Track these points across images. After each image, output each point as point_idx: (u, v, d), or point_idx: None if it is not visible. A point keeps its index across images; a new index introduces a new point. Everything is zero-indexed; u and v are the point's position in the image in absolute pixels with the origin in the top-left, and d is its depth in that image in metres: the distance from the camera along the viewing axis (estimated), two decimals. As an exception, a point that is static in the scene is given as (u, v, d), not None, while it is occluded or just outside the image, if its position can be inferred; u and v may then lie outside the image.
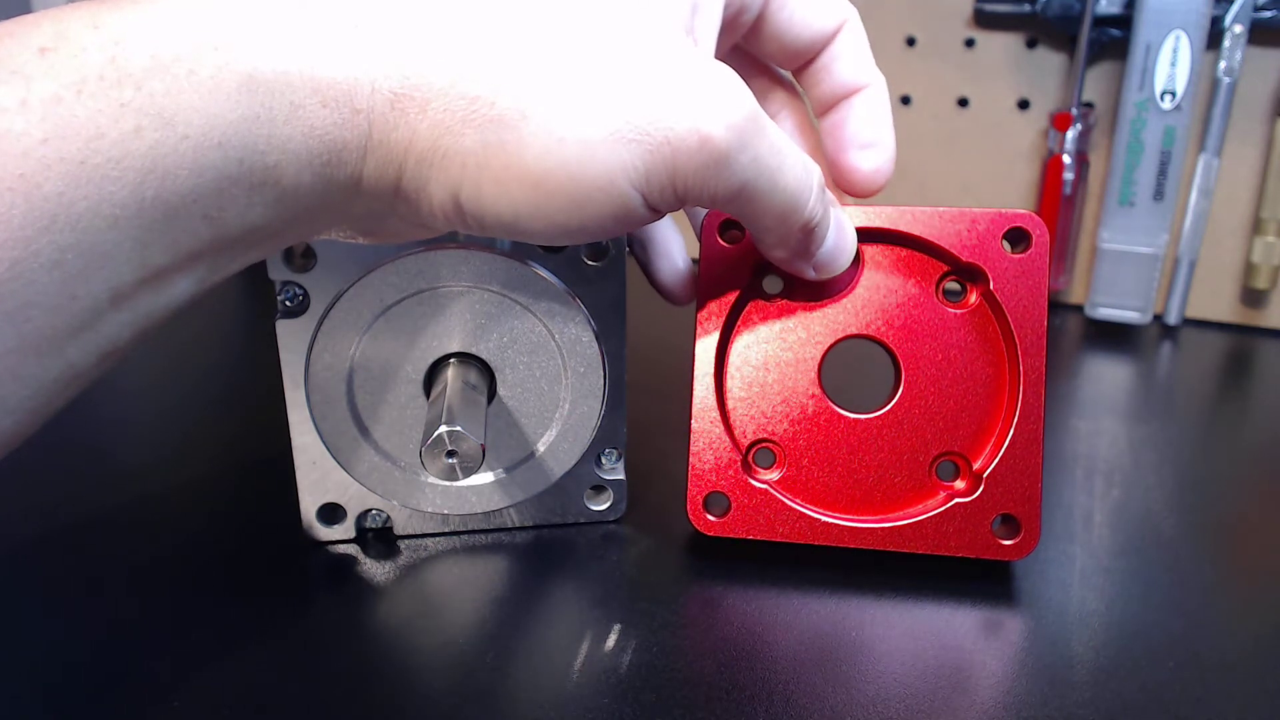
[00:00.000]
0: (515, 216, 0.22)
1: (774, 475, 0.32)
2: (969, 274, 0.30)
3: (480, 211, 0.22)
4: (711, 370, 0.31)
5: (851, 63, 0.29)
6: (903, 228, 0.30)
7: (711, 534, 0.31)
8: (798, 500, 0.31)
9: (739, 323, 0.31)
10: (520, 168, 0.21)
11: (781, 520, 0.31)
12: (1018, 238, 0.30)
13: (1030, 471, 0.30)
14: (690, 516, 0.31)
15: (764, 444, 0.32)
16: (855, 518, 0.31)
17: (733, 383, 0.32)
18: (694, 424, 0.31)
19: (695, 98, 0.22)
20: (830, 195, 0.27)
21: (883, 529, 0.31)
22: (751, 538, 0.31)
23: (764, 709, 0.25)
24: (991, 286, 0.30)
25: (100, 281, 0.19)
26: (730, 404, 0.32)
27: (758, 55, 0.30)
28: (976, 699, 0.26)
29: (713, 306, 0.31)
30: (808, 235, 0.27)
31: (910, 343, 0.31)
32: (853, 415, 0.31)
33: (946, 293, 0.31)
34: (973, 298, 0.30)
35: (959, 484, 0.31)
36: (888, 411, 0.31)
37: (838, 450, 0.31)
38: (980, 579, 0.31)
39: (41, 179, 0.18)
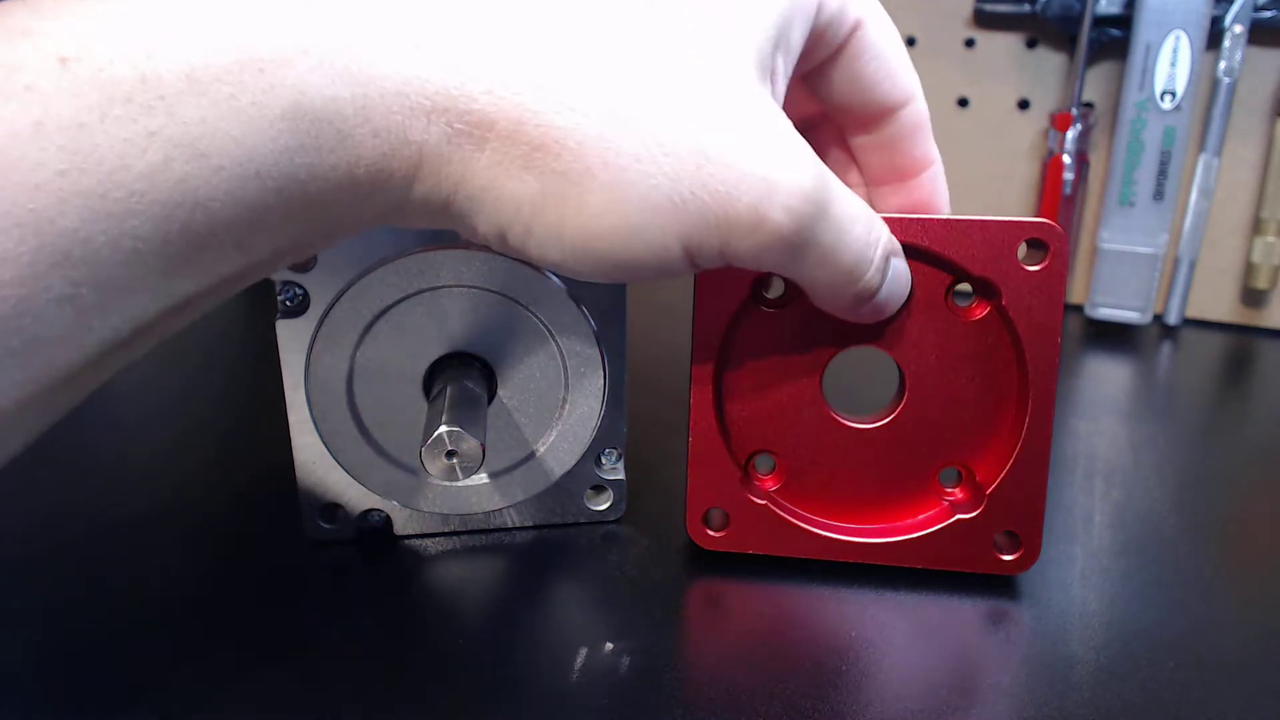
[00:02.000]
0: (561, 260, 0.22)
1: (774, 486, 0.31)
2: (981, 287, 0.29)
3: (525, 249, 0.21)
4: (710, 381, 0.30)
5: (923, 138, 0.28)
6: (914, 240, 0.28)
7: (710, 549, 0.31)
8: (798, 513, 0.31)
9: (739, 330, 0.30)
10: (576, 222, 0.20)
11: (780, 535, 0.31)
12: (1034, 249, 0.28)
13: (1035, 488, 0.30)
14: (689, 532, 0.31)
15: (763, 453, 0.31)
16: (855, 530, 0.31)
17: (732, 393, 0.31)
18: (692, 438, 0.31)
19: (760, 172, 0.21)
20: (894, 244, 0.26)
21: (882, 544, 0.31)
22: (751, 552, 0.31)
23: (764, 709, 0.25)
24: (1003, 301, 0.28)
25: (119, 314, 0.18)
26: (730, 415, 0.31)
27: (816, 96, 0.28)
28: (976, 699, 0.26)
29: (711, 314, 0.30)
30: (860, 300, 0.26)
31: (916, 353, 0.29)
32: (855, 425, 0.30)
33: (957, 295, 0.29)
34: (984, 311, 0.29)
35: (961, 497, 0.31)
36: (890, 422, 0.30)
37: (839, 461, 0.31)
38: (980, 580, 0.31)
39: (56, 214, 0.16)
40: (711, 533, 0.31)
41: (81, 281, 0.17)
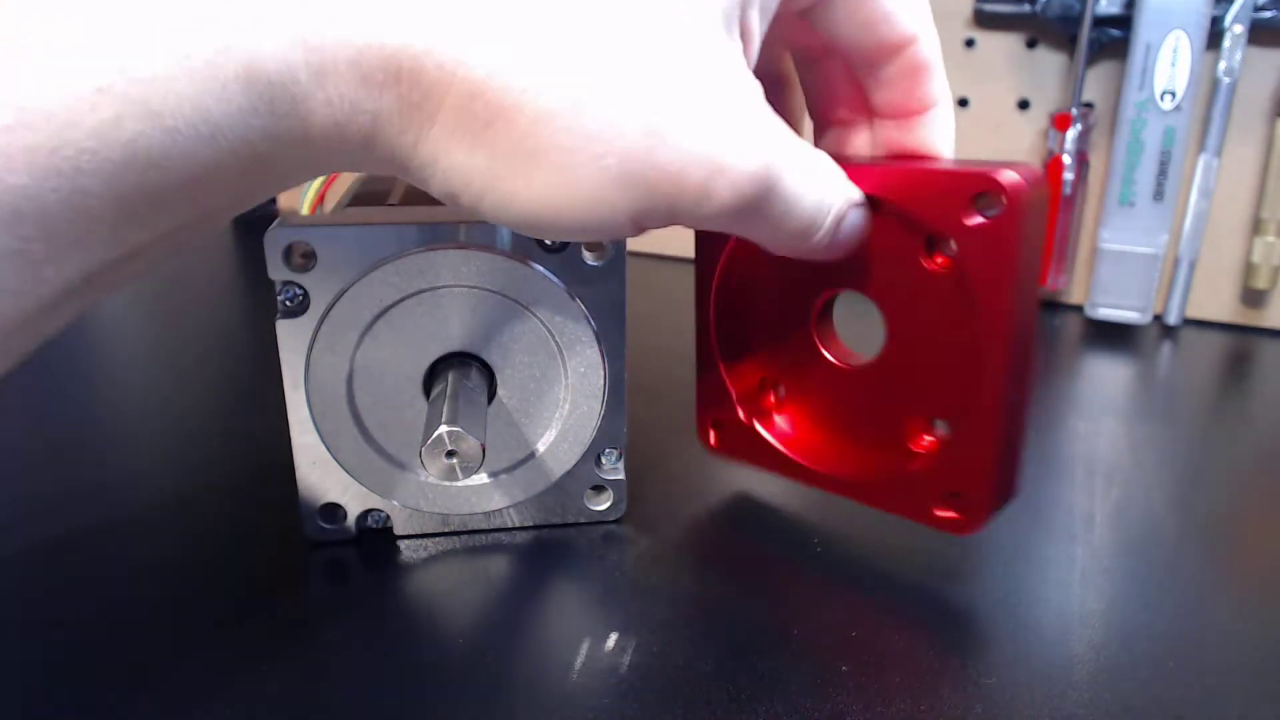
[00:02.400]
0: (511, 224, 0.22)
1: (773, 409, 0.34)
2: (938, 239, 0.28)
3: (477, 213, 0.22)
4: (709, 304, 0.33)
5: (925, 79, 0.27)
6: (874, 191, 0.27)
7: (712, 451, 0.35)
8: (780, 436, 0.34)
9: (736, 260, 0.32)
10: (526, 196, 0.21)
11: (759, 452, 0.34)
12: (983, 202, 0.26)
13: (984, 451, 0.28)
14: (698, 435, 0.36)
15: (765, 379, 0.34)
16: (824, 462, 0.32)
17: (727, 318, 0.33)
18: (696, 353, 0.35)
19: (709, 152, 0.21)
20: (850, 203, 0.26)
21: (843, 480, 0.32)
22: (742, 462, 0.35)
23: (764, 709, 0.25)
24: (957, 256, 0.27)
25: (72, 265, 0.18)
26: (726, 338, 0.34)
27: (816, 30, 0.27)
28: (976, 699, 0.26)
29: (709, 243, 0.32)
30: (809, 252, 0.26)
31: (894, 302, 0.29)
32: (839, 364, 0.32)
33: (939, 244, 0.28)
34: (945, 264, 0.28)
35: (922, 449, 0.30)
36: (868, 366, 0.31)
37: (821, 395, 0.32)
38: (979, 580, 0.31)
39: (4, 171, 0.16)
40: (712, 436, 0.35)
41: (31, 237, 0.17)
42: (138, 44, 0.17)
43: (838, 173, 0.26)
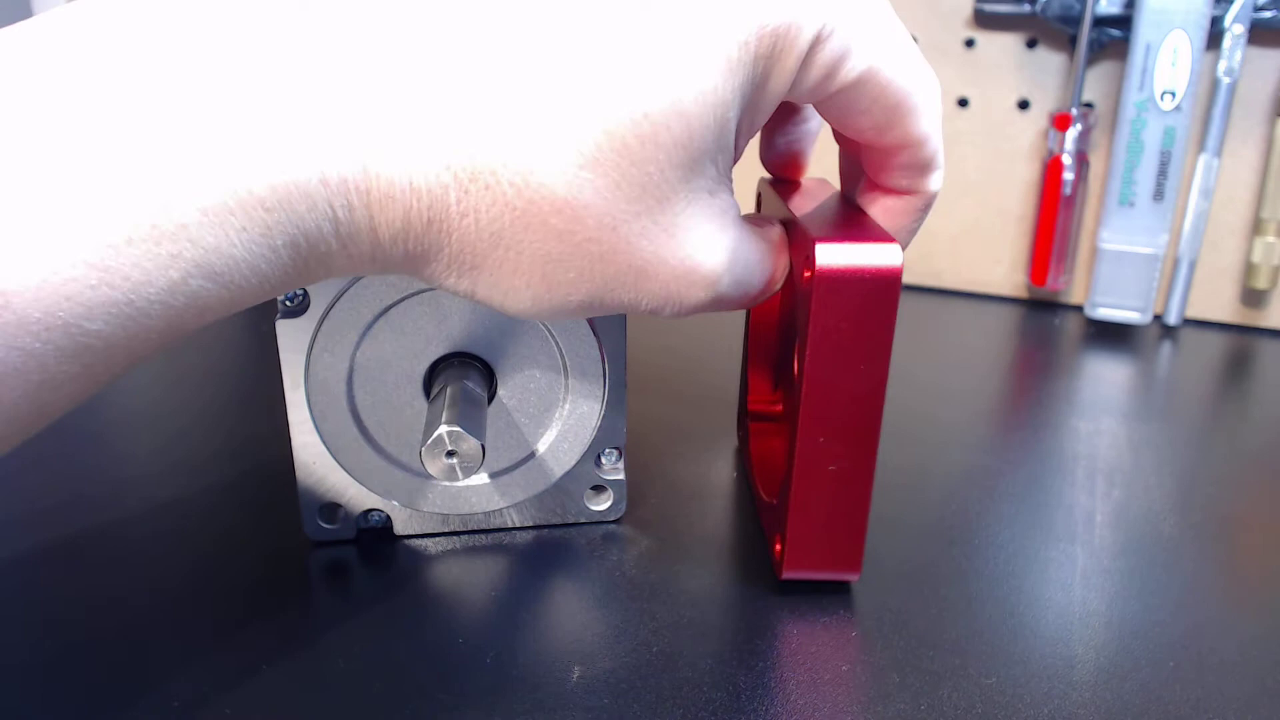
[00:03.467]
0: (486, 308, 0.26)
1: (760, 426, 0.37)
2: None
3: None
4: (748, 317, 0.37)
5: (911, 175, 0.28)
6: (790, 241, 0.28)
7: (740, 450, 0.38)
8: (754, 453, 0.36)
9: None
10: (507, 306, 0.24)
11: (745, 458, 0.37)
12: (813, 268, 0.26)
13: (788, 508, 0.28)
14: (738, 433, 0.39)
15: (772, 398, 0.37)
16: (763, 483, 0.33)
17: (759, 336, 0.37)
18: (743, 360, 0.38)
19: (665, 293, 0.24)
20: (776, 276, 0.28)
21: (763, 501, 0.33)
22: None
23: (764, 709, 0.25)
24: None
25: (120, 364, 0.20)
26: (758, 353, 0.37)
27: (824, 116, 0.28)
28: (976, 699, 0.26)
29: None
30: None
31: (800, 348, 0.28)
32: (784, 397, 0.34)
33: None
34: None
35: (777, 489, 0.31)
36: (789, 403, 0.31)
37: (781, 423, 0.35)
38: (978, 579, 0.31)
39: (85, 319, 0.18)
40: (738, 438, 0.39)
41: (94, 362, 0.19)
42: (203, 220, 0.19)
43: (767, 264, 0.27)
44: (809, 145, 0.32)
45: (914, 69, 0.25)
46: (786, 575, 0.29)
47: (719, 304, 0.25)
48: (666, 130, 0.21)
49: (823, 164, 0.33)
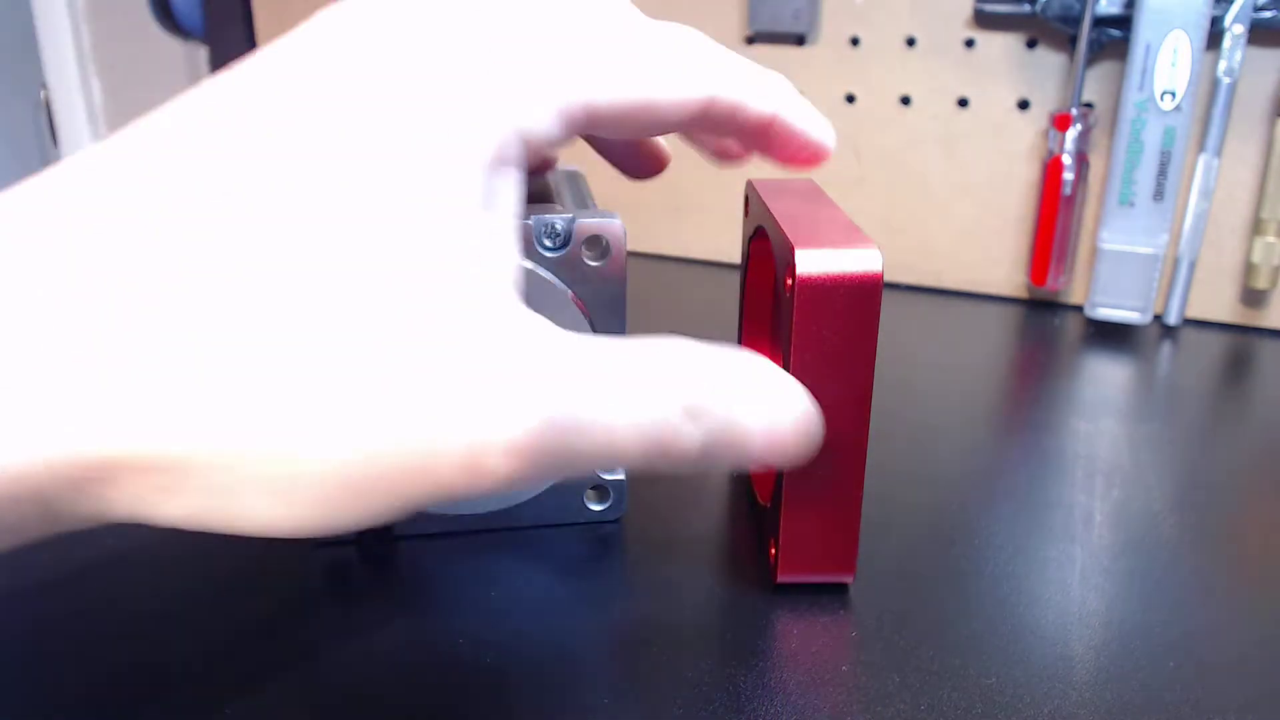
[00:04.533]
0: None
1: None
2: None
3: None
4: (740, 309, 0.37)
5: (803, 138, 0.25)
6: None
7: None
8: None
9: (754, 266, 0.36)
10: (246, 522, 0.18)
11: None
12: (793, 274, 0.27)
13: (780, 511, 0.29)
14: None
15: None
16: (759, 487, 0.33)
17: (753, 331, 0.37)
18: None
19: (466, 437, 0.17)
20: (699, 387, 0.20)
21: (758, 507, 0.33)
22: None
23: (764, 709, 0.25)
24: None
25: None
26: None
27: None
28: (976, 699, 0.26)
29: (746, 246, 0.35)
30: (697, 459, 0.21)
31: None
32: None
33: None
34: None
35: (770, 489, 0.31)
36: None
37: None
38: (977, 580, 0.31)
39: None
40: None
41: None
42: None
43: (682, 363, 0.21)
44: (641, 142, 0.29)
45: (633, 64, 0.22)
46: (782, 579, 0.30)
47: (553, 459, 0.18)
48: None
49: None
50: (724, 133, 0.26)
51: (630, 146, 0.30)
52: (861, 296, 0.26)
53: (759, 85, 0.25)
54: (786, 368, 0.27)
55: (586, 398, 0.19)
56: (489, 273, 0.19)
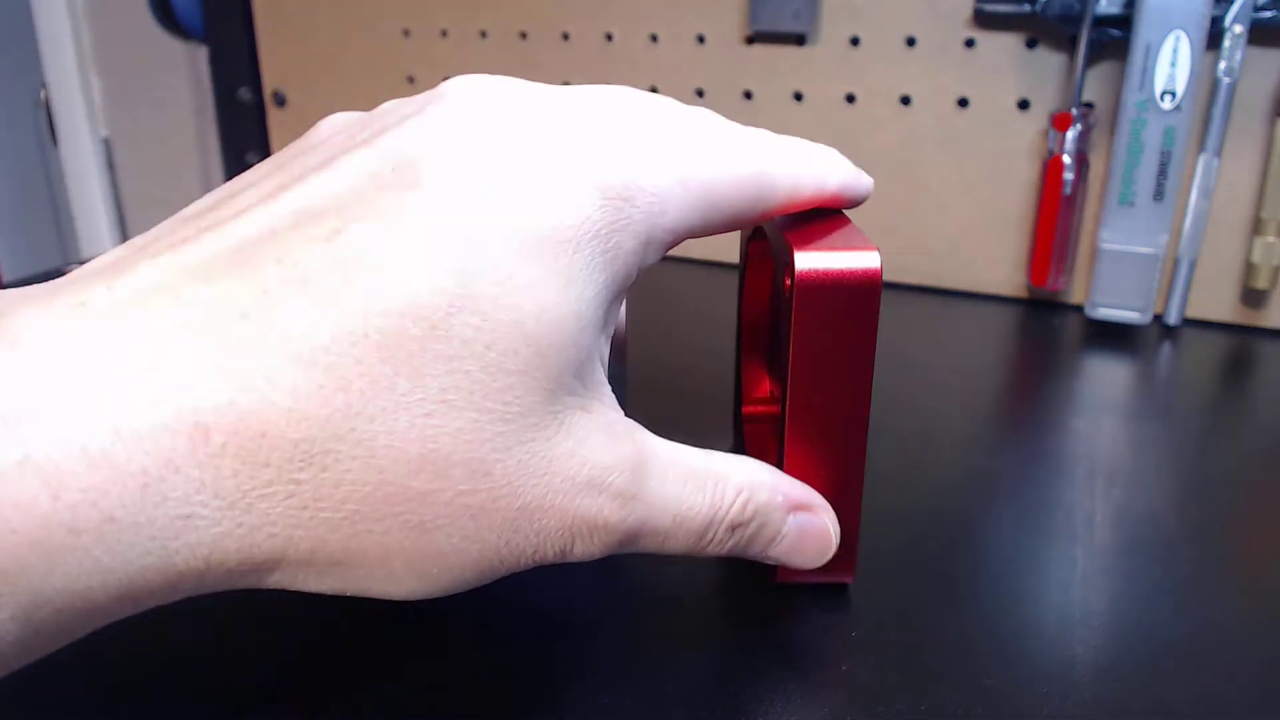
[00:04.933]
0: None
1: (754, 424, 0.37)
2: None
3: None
4: (739, 310, 0.37)
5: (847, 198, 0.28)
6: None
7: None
8: (748, 443, 0.37)
9: (753, 266, 0.36)
10: (383, 596, 0.21)
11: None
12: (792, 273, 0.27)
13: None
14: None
15: (769, 396, 0.37)
16: None
17: (751, 331, 0.37)
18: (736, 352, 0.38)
19: (561, 537, 0.21)
20: (751, 506, 0.25)
21: None
22: None
23: (764, 709, 0.25)
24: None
25: None
26: (752, 350, 0.37)
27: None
28: (976, 699, 0.26)
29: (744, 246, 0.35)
30: (747, 550, 0.26)
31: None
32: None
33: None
34: None
35: None
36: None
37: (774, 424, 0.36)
38: (976, 579, 0.31)
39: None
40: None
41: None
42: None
43: (733, 472, 0.25)
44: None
45: (736, 157, 0.24)
46: (782, 578, 0.30)
47: (641, 527, 0.22)
48: (514, 355, 0.19)
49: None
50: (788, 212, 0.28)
51: None
52: (861, 297, 0.26)
53: (825, 174, 0.27)
54: (786, 369, 0.27)
55: (659, 520, 0.23)
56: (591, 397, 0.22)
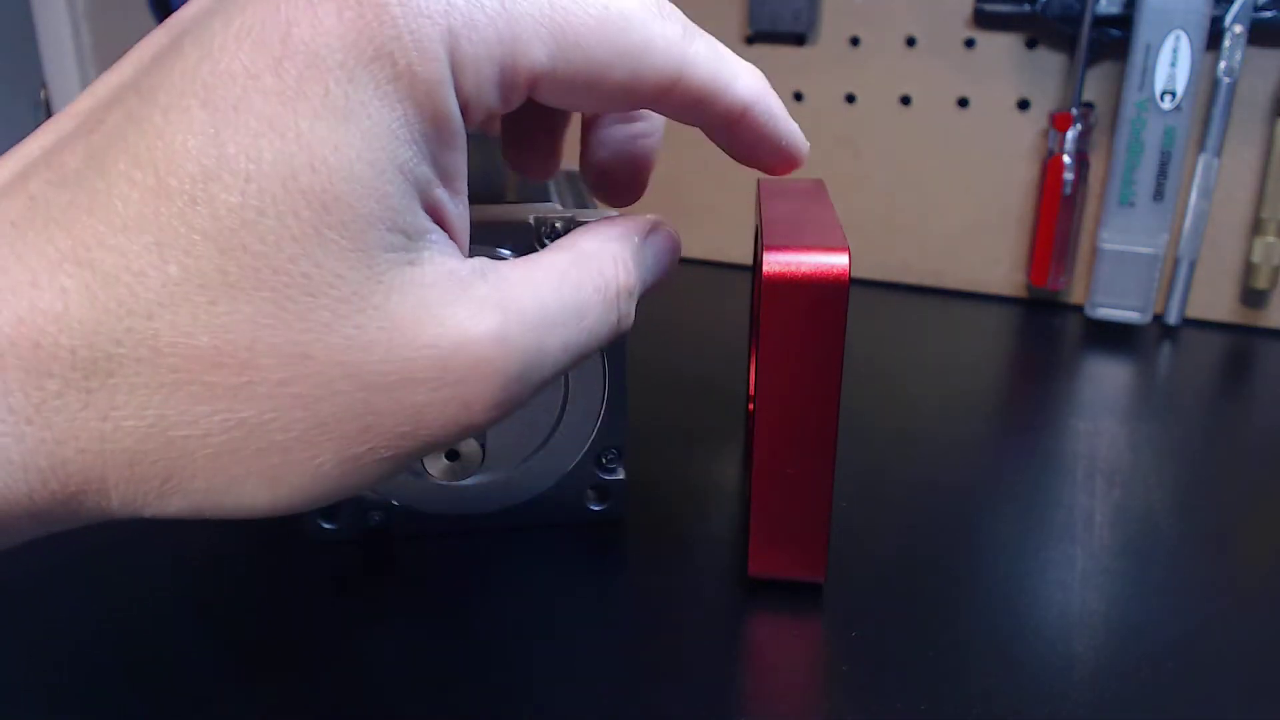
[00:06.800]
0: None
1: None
2: None
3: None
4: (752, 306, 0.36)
5: (774, 138, 0.24)
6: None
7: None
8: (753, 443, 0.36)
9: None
10: (236, 504, 0.18)
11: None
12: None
13: (753, 507, 0.29)
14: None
15: None
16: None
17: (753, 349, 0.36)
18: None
19: (435, 386, 0.18)
20: (627, 276, 0.23)
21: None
22: None
23: (765, 709, 0.25)
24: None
25: None
26: (752, 366, 0.36)
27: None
28: (976, 699, 0.26)
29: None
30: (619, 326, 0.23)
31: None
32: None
33: None
34: None
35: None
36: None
37: None
38: (977, 580, 0.31)
39: None
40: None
41: None
42: None
43: (595, 266, 0.22)
44: (637, 154, 0.27)
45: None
46: (754, 573, 0.30)
47: (529, 378, 0.19)
48: (295, 218, 0.16)
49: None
50: (689, 120, 0.23)
51: (619, 161, 0.27)
52: (827, 297, 0.26)
53: (733, 73, 0.22)
54: (757, 366, 0.27)
55: (543, 337, 0.20)
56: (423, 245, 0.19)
